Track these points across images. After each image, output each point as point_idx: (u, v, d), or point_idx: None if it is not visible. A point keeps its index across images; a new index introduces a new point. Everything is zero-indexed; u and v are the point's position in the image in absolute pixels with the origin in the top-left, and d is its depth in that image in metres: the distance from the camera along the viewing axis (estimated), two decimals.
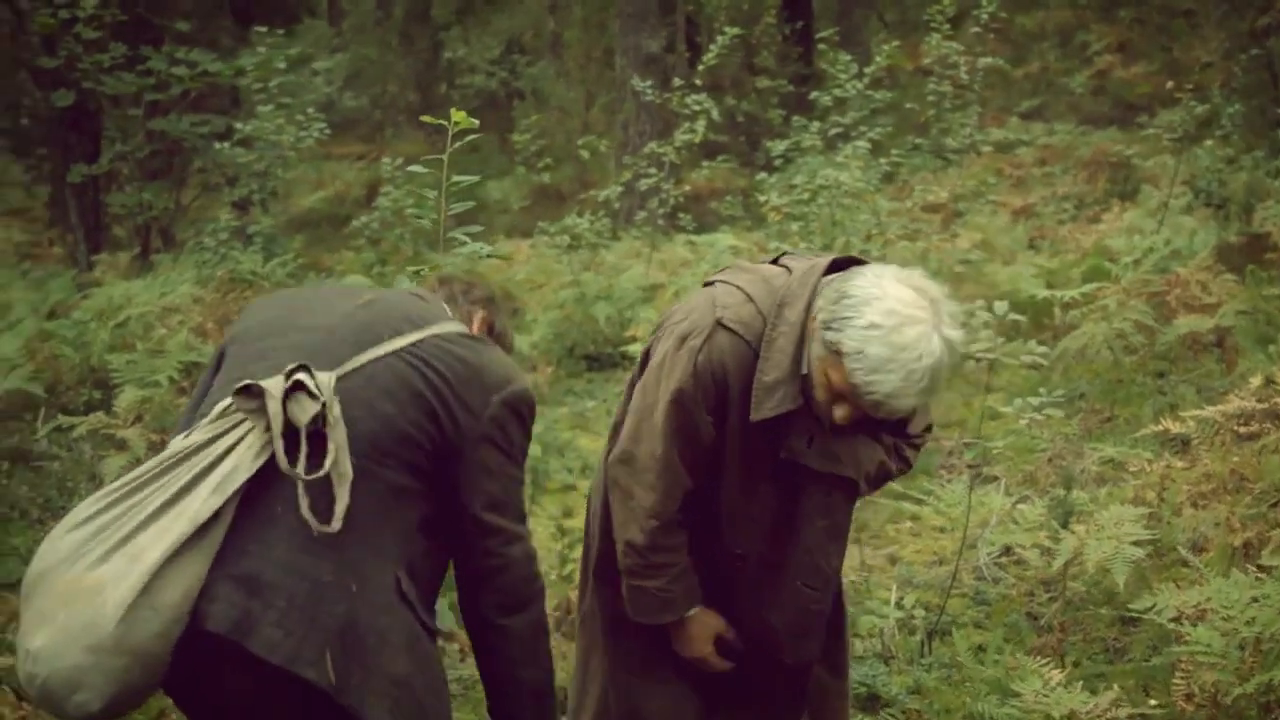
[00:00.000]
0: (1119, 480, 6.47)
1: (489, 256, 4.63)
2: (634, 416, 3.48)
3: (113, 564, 2.66)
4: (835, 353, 3.17)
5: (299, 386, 2.78)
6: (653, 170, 12.40)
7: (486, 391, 2.98)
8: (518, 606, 3.07)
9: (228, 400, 2.83)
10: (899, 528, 6.85)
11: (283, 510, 2.77)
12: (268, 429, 2.76)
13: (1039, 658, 4.45)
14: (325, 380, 2.81)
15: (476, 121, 4.31)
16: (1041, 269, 10.01)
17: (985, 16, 11.92)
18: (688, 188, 13.59)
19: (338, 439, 2.77)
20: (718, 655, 3.64)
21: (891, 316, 3.11)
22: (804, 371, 3.29)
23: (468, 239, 4.51)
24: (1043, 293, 8.63)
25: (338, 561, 2.78)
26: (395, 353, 2.94)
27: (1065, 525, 5.15)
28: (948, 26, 12.18)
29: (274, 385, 2.78)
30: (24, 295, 11.02)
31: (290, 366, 2.81)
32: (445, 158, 4.39)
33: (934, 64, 12.74)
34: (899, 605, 5.48)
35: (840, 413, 3.26)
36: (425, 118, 4.45)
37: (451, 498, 2.98)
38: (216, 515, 2.71)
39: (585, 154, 14.33)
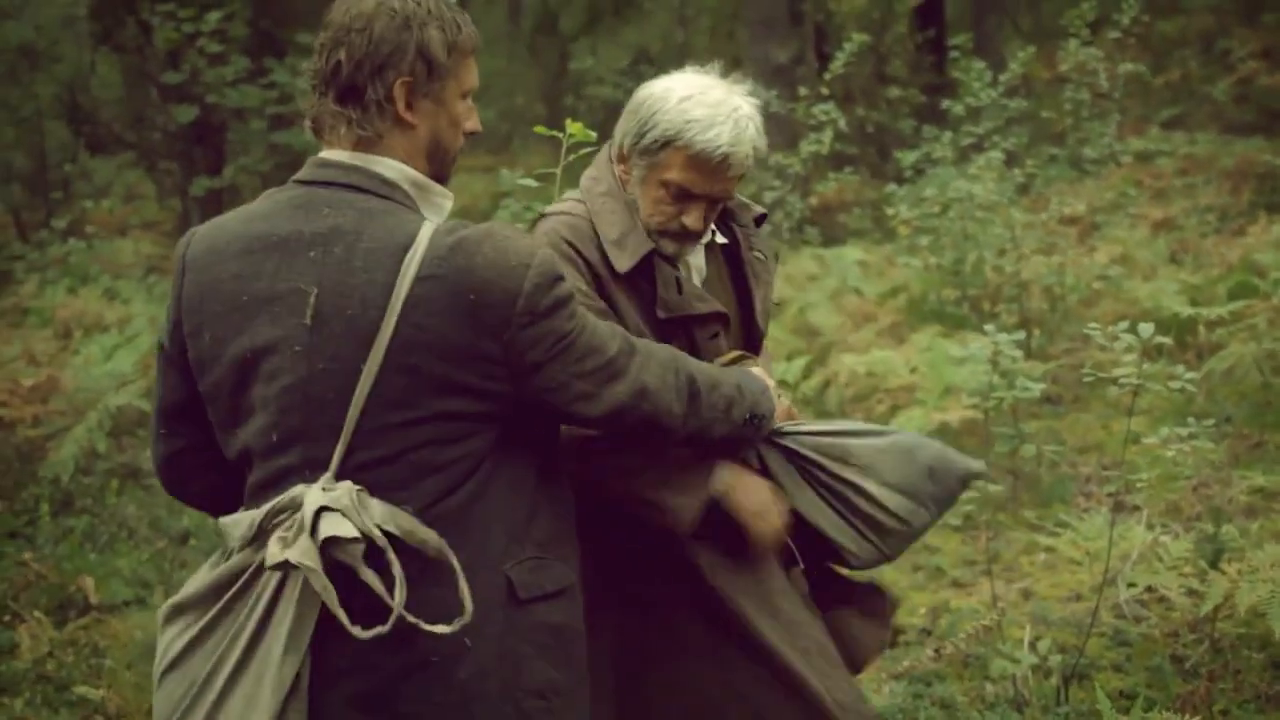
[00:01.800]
0: (1270, 511, 6.13)
1: None
2: None
3: None
4: (662, 146, 3.24)
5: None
6: (779, 182, 12.16)
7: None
8: None
9: (260, 513, 2.60)
10: (1033, 560, 6.51)
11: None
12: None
13: (1185, 708, 4.15)
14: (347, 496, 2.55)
15: (594, 134, 4.11)
16: (1185, 285, 9.59)
17: (1126, 21, 11.53)
18: (815, 200, 13.31)
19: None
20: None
21: (693, 87, 3.27)
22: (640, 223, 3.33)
23: None
24: (1187, 310, 8.25)
25: None
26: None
27: (1214, 564, 4.83)
28: (1087, 32, 11.80)
29: (302, 535, 2.52)
30: (145, 309, 11.05)
31: (310, 505, 2.53)
32: (559, 171, 4.19)
33: (1071, 71, 12.37)
34: (1033, 647, 5.14)
35: (692, 215, 3.29)
36: (539, 129, 4.26)
37: None
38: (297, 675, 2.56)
39: None
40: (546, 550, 2.77)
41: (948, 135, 11.53)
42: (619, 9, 23.46)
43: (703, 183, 3.25)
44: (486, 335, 2.57)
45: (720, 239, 3.53)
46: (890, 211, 11.05)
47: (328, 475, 2.57)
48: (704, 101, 3.22)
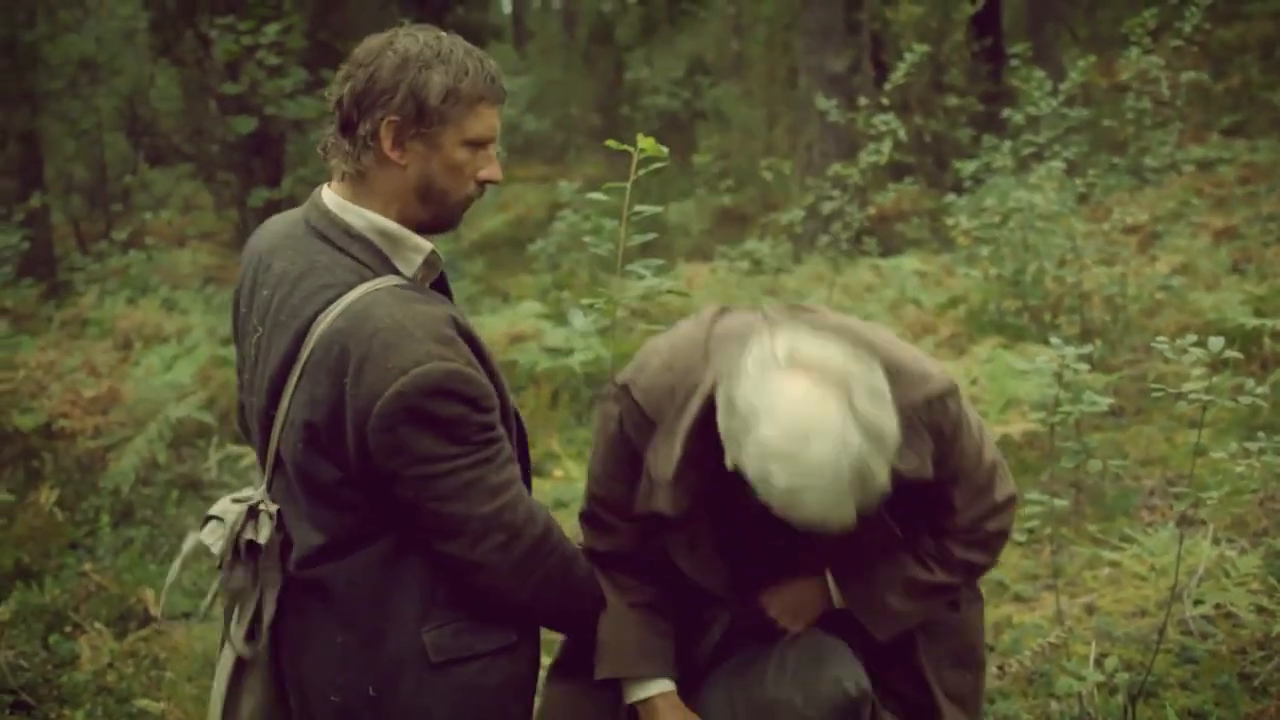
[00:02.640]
0: None
1: (669, 291, 4.37)
2: None
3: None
4: (741, 476, 2.67)
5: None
6: (836, 192, 12.10)
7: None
8: None
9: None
10: (1096, 575, 6.42)
11: None
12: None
13: None
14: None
15: (665, 149, 4.07)
16: (1249, 295, 9.47)
17: (1189, 29, 11.40)
18: (873, 210, 13.22)
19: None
20: None
21: (791, 437, 2.56)
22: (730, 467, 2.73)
23: (647, 273, 4.26)
24: (1251, 321, 8.14)
25: None
26: None
27: None
28: (1149, 40, 11.68)
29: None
30: (203, 319, 11.10)
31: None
32: (629, 186, 4.15)
33: (1132, 80, 12.24)
34: (1099, 664, 5.07)
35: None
36: (611, 143, 4.22)
37: None
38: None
39: (768, 175, 14.08)
40: (477, 612, 2.82)
41: (1007, 144, 11.43)
42: (674, 19, 23.42)
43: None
44: (353, 426, 2.62)
45: None
46: (950, 221, 10.96)
47: (262, 490, 2.84)
48: (797, 466, 2.57)
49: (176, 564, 3.05)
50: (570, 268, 12.92)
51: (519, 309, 11.39)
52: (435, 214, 2.78)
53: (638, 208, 4.22)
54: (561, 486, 8.43)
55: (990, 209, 10.03)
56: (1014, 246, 9.82)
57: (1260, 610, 4.85)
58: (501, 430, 2.73)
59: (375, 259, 2.71)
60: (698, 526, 3.04)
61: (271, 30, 12.53)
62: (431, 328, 2.61)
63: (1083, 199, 11.69)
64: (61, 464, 8.06)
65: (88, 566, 6.61)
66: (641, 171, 4.13)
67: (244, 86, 12.90)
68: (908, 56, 11.64)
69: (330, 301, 2.65)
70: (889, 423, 2.62)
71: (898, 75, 11.73)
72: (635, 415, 3.02)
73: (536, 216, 18.58)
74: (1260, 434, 4.96)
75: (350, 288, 2.65)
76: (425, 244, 2.75)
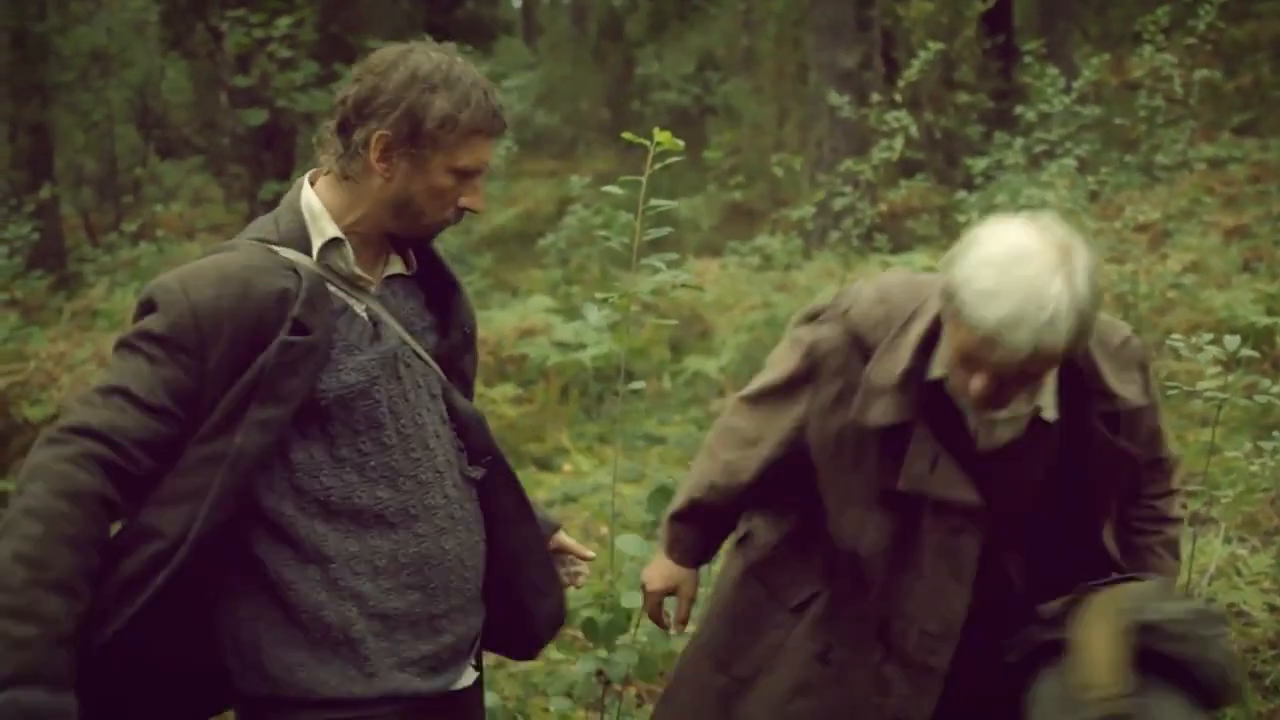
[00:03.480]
0: None
1: (683, 285, 4.35)
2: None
3: None
4: (949, 299, 2.77)
5: None
6: (847, 188, 12.09)
7: None
8: None
9: None
10: None
11: None
12: None
13: None
14: None
15: (681, 143, 4.05)
16: (1260, 294, 9.45)
17: (1202, 27, 11.38)
18: (883, 206, 13.21)
19: None
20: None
21: (1006, 252, 2.70)
22: (937, 375, 2.93)
23: (663, 265, 4.25)
24: (1263, 319, 8.12)
25: None
26: None
27: None
28: (1162, 38, 11.66)
29: None
30: None
31: None
32: (644, 180, 4.14)
33: (1144, 77, 12.22)
34: None
35: (976, 383, 2.78)
36: (628, 135, 4.20)
37: None
38: None
39: (778, 171, 14.07)
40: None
41: (1019, 141, 11.42)
42: (684, 14, 23.41)
43: (977, 352, 2.77)
44: None
45: (1050, 416, 3.03)
46: (961, 218, 10.95)
47: None
48: (1001, 272, 2.69)
49: None
50: (580, 262, 12.92)
51: (529, 303, 11.39)
52: (406, 228, 2.78)
53: (653, 202, 4.21)
54: (571, 481, 8.43)
55: (1001, 206, 10.02)
56: None
57: (1272, 609, 4.85)
58: (174, 382, 2.58)
59: (294, 230, 2.73)
60: (931, 444, 3.00)
61: (283, 23, 12.54)
62: (212, 266, 2.64)
63: (1094, 196, 11.67)
64: None
65: None
66: (657, 166, 4.12)
67: (255, 79, 12.92)
68: (920, 53, 11.64)
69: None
70: (1094, 299, 2.71)
71: (909, 72, 11.72)
72: (849, 337, 3.09)
73: (546, 211, 18.59)
74: (1274, 433, 4.96)
75: (248, 240, 2.75)
76: (331, 230, 2.73)
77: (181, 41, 15.69)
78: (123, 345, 2.60)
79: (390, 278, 2.88)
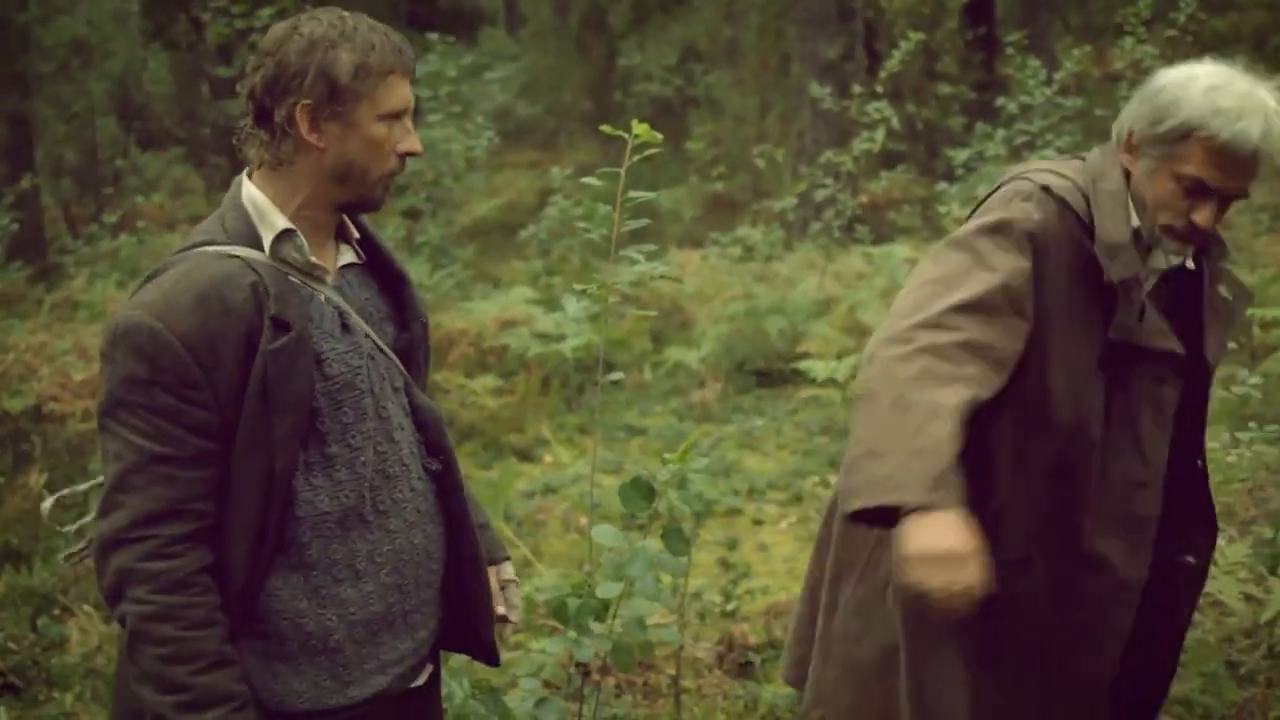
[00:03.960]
0: None
1: (662, 276, 4.35)
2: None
3: None
4: (1182, 137, 2.99)
5: None
6: (829, 180, 12.10)
7: None
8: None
9: None
10: None
11: None
12: None
13: (1242, 715, 4.08)
14: None
15: (660, 136, 4.05)
16: None
17: (1183, 19, 11.42)
18: (865, 198, 13.24)
19: None
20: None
21: (1218, 76, 3.02)
22: (1134, 225, 3.09)
23: (641, 257, 4.24)
24: None
25: None
26: None
27: (1273, 570, 4.75)
28: (1143, 29, 11.69)
29: None
30: None
31: None
32: (623, 171, 4.13)
33: (1125, 69, 12.24)
34: None
35: (1203, 212, 3.02)
36: (606, 128, 4.19)
37: None
38: None
39: (760, 163, 14.09)
40: None
41: (1000, 133, 11.44)
42: (667, 5, 23.40)
43: (1222, 179, 3.02)
44: None
45: (1186, 263, 3.26)
46: (941, 209, 10.97)
47: None
48: (1232, 92, 2.99)
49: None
50: (562, 253, 12.92)
51: (510, 294, 11.39)
52: (357, 193, 2.73)
53: (631, 193, 4.21)
54: (551, 472, 8.44)
55: (981, 197, 10.03)
56: None
57: (1248, 599, 4.85)
58: (199, 421, 2.55)
59: (242, 227, 2.68)
60: (1136, 294, 3.09)
61: (265, 14, 12.50)
62: (179, 287, 2.55)
63: None
64: (51, 447, 8.04)
65: (77, 549, 6.59)
66: (636, 157, 4.11)
67: (237, 70, 12.88)
68: (902, 45, 11.65)
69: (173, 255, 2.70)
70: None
71: (891, 63, 11.74)
72: (1057, 204, 3.09)
73: (528, 202, 18.56)
74: (1251, 424, 4.97)
75: (196, 247, 2.65)
76: (281, 222, 2.68)
77: (163, 32, 15.65)
78: (126, 406, 2.53)
79: (344, 267, 2.84)
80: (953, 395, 2.76)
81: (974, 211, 3.22)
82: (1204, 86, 2.98)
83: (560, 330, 9.95)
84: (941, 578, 2.57)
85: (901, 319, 2.90)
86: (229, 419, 2.55)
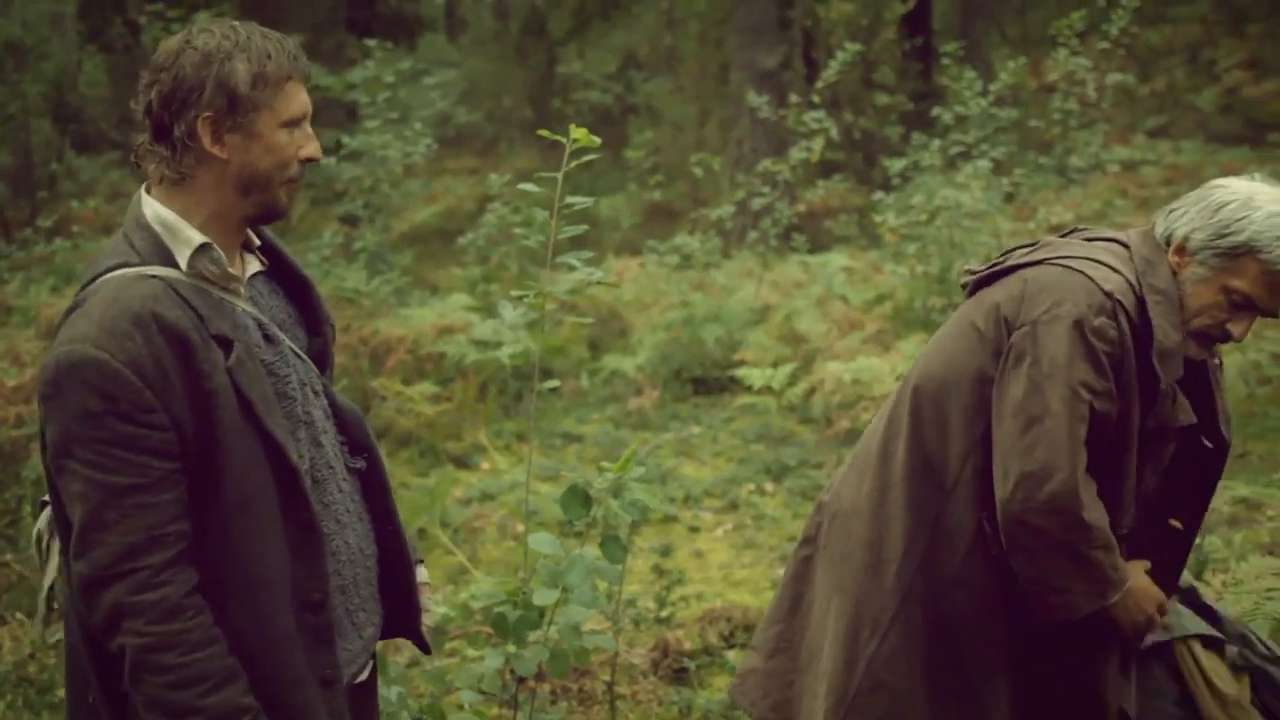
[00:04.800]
0: (1253, 522, 6.15)
1: (600, 283, 4.37)
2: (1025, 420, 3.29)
3: None
4: (1239, 256, 3.24)
5: None
6: (766, 188, 12.17)
7: None
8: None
9: None
10: None
11: None
12: None
13: None
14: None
15: (599, 140, 4.07)
16: None
17: (1116, 31, 11.55)
18: (802, 206, 13.32)
19: None
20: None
21: None
22: (1196, 327, 3.33)
23: (578, 263, 4.26)
24: None
25: None
26: None
27: (1199, 576, 4.83)
28: (1077, 41, 11.83)
29: None
30: None
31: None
32: (560, 176, 4.15)
33: (1059, 81, 12.37)
34: None
35: (1241, 326, 3.31)
36: (544, 132, 4.21)
37: None
38: None
39: (698, 171, 14.13)
40: None
41: (936, 143, 11.53)
42: (607, 13, 23.42)
43: (1269, 299, 3.29)
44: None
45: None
46: (878, 219, 11.05)
47: None
48: None
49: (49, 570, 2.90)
50: (499, 260, 12.91)
51: (447, 301, 11.38)
52: (260, 203, 2.72)
53: (569, 199, 4.23)
54: (489, 479, 8.44)
55: (917, 207, 10.12)
56: (940, 244, 9.91)
57: None
58: (160, 443, 2.55)
59: (152, 247, 2.65)
60: (1172, 386, 3.35)
61: (201, 17, 12.47)
62: (112, 314, 2.54)
63: (1009, 198, 11.82)
64: None
65: (9, 557, 6.55)
66: (574, 163, 4.14)
67: None
68: (839, 55, 11.72)
69: (84, 286, 2.65)
70: None
71: (829, 73, 11.81)
72: (1125, 314, 3.27)
73: (466, 209, 18.53)
74: None
75: (110, 271, 2.62)
76: (196, 237, 2.66)
77: (99, 35, 15.56)
78: (82, 443, 2.50)
79: (251, 277, 2.84)
80: None
81: (1023, 299, 3.37)
82: (1269, 212, 3.22)
83: (498, 337, 9.96)
84: None
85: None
86: (184, 436, 2.54)
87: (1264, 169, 9.74)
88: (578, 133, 4.06)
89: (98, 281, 2.62)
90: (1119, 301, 3.23)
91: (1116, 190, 13.22)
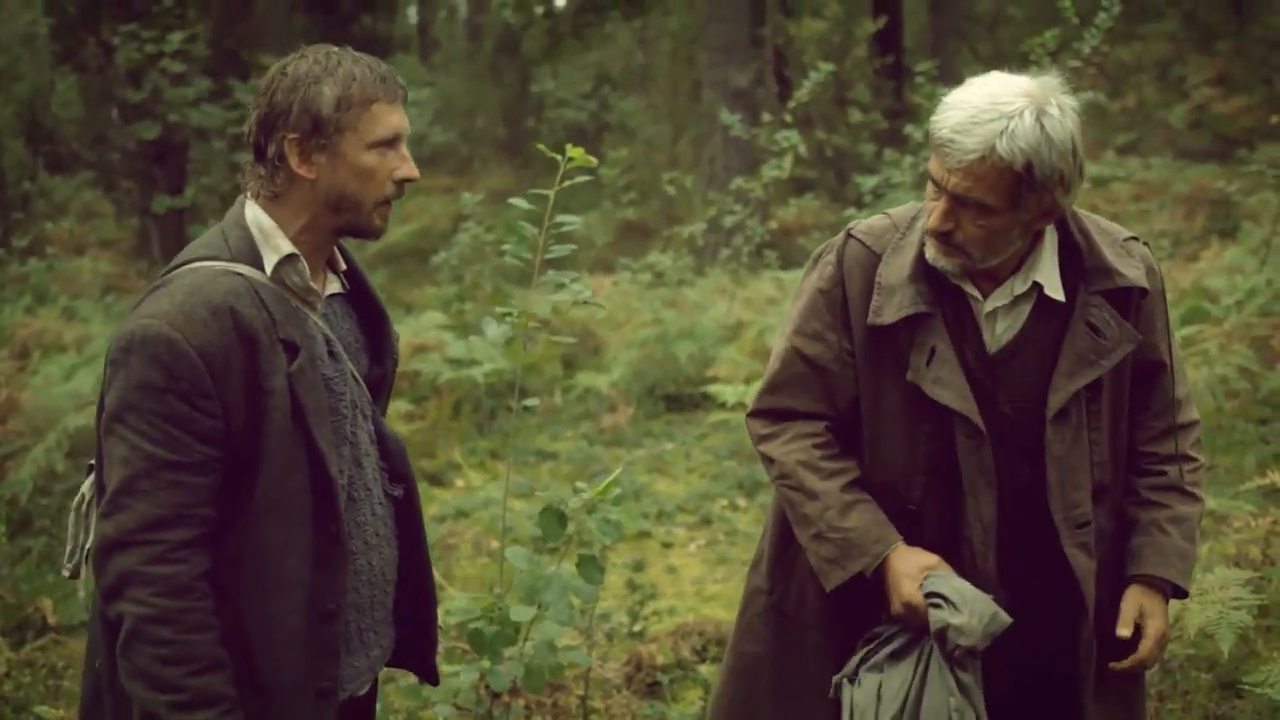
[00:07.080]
0: (1219, 534, 6.18)
1: (588, 303, 4.38)
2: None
3: None
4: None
5: None
6: (739, 206, 12.22)
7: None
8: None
9: None
10: None
11: None
12: None
13: None
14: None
15: (595, 160, 4.12)
16: None
17: (1087, 50, 11.62)
18: (774, 224, 13.36)
19: None
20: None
21: (980, 82, 2.99)
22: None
23: (567, 281, 4.30)
24: None
25: None
26: None
27: None
28: (1048, 59, 11.89)
29: None
30: (103, 328, 11.02)
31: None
32: (552, 194, 4.20)
33: None
34: None
35: (934, 215, 2.99)
36: (541, 146, 4.26)
37: None
38: None
39: (671, 189, 14.18)
40: None
41: (908, 160, 11.59)
42: (580, 32, 23.47)
43: (937, 168, 2.99)
44: None
45: (1056, 295, 3.12)
46: None
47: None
48: (968, 91, 2.96)
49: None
50: (473, 279, 12.95)
51: (422, 319, 11.40)
52: (351, 221, 2.83)
53: (559, 218, 4.28)
54: (463, 496, 8.47)
55: None
56: None
57: None
58: (208, 429, 2.64)
59: (244, 246, 2.77)
60: (933, 338, 3.08)
61: (175, 38, 12.49)
62: (193, 300, 2.63)
63: None
64: None
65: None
66: (566, 183, 4.19)
67: (146, 94, 12.85)
68: (812, 75, 11.77)
69: (173, 268, 2.76)
70: (1066, 148, 2.94)
71: (802, 92, 11.86)
72: (856, 249, 3.19)
73: (441, 228, 18.54)
74: None
75: (200, 260, 2.73)
76: (286, 246, 2.77)
77: (72, 55, 15.52)
78: (137, 411, 2.59)
79: (329, 296, 2.94)
80: None
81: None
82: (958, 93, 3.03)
83: (471, 355, 9.99)
84: None
85: None
86: (231, 428, 2.64)
87: (1233, 185, 9.84)
88: (574, 152, 4.12)
89: (186, 267, 2.73)
90: (853, 235, 3.24)
91: (1087, 206, 13.24)
